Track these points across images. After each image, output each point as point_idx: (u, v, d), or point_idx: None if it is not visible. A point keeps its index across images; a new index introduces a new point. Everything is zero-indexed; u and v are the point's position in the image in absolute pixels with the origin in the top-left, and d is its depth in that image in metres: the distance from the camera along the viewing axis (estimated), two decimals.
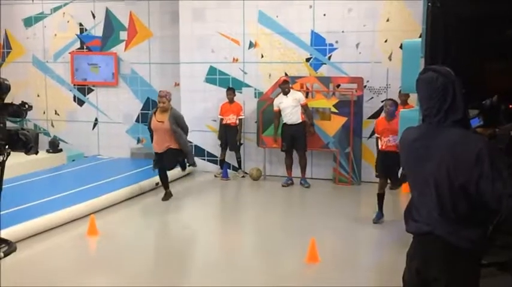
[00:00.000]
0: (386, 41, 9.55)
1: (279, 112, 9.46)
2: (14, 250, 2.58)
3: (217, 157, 10.55)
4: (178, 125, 8.18)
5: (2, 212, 2.50)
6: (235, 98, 10.09)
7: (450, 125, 2.70)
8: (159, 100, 8.21)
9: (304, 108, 9.42)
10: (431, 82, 2.74)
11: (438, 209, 2.69)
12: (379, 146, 7.42)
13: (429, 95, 2.75)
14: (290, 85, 9.49)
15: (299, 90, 9.61)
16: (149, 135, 8.57)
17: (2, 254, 2.48)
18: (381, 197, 7.27)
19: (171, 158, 8.25)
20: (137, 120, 11.66)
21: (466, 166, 2.57)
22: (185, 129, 8.34)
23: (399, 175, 6.93)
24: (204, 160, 10.81)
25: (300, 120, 9.38)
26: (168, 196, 8.55)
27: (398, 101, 9.08)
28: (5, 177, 2.52)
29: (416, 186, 2.85)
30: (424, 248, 2.76)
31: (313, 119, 9.58)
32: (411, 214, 2.87)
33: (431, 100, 2.74)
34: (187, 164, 8.68)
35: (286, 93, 9.37)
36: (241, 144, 10.31)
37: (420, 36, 4.92)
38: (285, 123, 9.44)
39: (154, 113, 8.31)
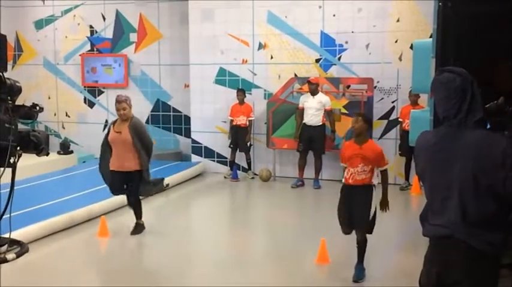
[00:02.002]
0: (396, 41, 9.51)
1: (303, 111, 9.38)
2: (26, 251, 2.58)
3: (227, 158, 10.55)
4: (139, 137, 6.55)
5: (13, 214, 2.51)
6: (245, 100, 10.09)
7: (471, 125, 2.66)
8: (117, 107, 6.53)
9: (328, 113, 9.30)
10: (449, 83, 2.69)
11: (461, 212, 2.65)
12: (343, 178, 5.38)
13: (447, 96, 2.69)
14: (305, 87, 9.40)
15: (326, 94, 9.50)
16: (101, 153, 7.08)
17: (15, 255, 2.49)
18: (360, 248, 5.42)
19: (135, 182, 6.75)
20: (147, 122, 11.67)
21: (492, 166, 2.54)
22: (148, 145, 6.66)
23: (370, 216, 5.29)
24: (214, 161, 10.82)
25: (320, 123, 9.30)
26: (140, 228, 6.87)
27: (409, 101, 9.09)
28: (16, 178, 2.53)
29: (436, 191, 2.78)
30: (444, 252, 2.72)
31: (335, 126, 9.38)
32: (427, 218, 2.83)
33: (450, 101, 2.69)
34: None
35: (313, 93, 9.30)
36: (251, 145, 10.32)
37: (431, 36, 4.88)
38: (304, 124, 9.36)
39: (113, 123, 6.80)
